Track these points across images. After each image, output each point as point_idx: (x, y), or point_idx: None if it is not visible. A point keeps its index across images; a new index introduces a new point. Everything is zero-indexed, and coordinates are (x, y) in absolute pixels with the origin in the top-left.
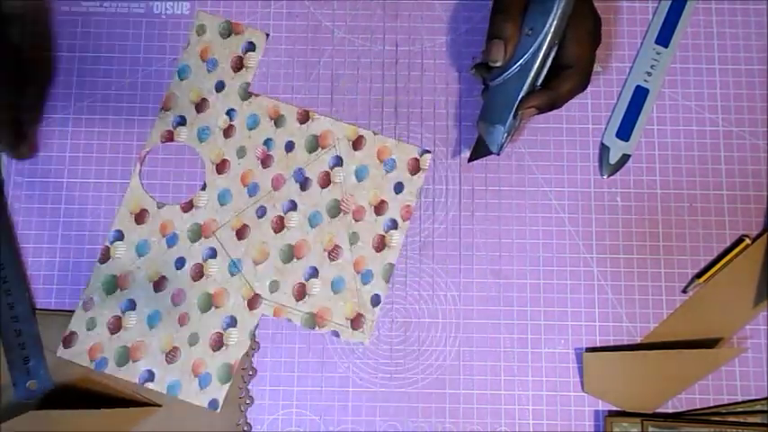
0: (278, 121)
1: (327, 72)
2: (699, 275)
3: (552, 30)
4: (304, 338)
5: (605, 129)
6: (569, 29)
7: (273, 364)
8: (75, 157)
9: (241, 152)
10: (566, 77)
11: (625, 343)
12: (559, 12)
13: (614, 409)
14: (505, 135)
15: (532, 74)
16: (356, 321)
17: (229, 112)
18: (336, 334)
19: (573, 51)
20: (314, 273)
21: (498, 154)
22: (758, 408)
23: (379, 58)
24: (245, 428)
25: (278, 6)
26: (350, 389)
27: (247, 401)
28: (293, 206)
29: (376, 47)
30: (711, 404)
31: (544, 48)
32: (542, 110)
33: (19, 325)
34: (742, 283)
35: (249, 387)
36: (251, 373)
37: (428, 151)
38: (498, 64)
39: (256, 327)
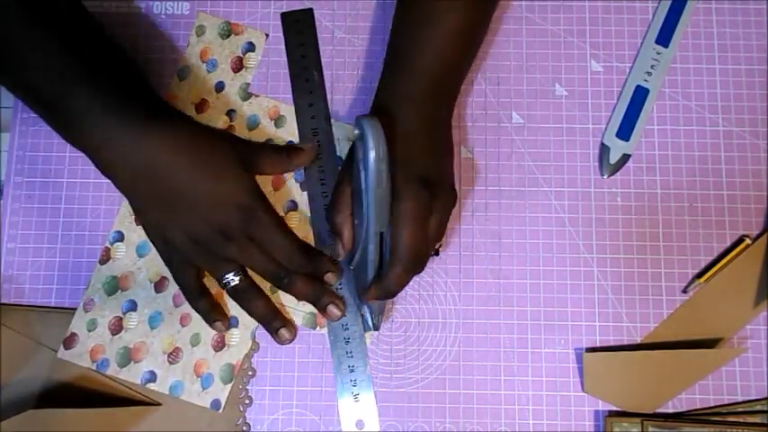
0: (278, 121)
1: (327, 72)
2: (699, 275)
3: (371, 218)
4: (304, 338)
5: (605, 129)
6: (393, 215)
7: (273, 364)
8: (74, 158)
9: None
10: (391, 265)
11: (625, 343)
12: (371, 200)
13: (614, 409)
14: (374, 315)
15: (370, 264)
16: None
17: (229, 113)
18: None
19: (394, 237)
20: None
21: (377, 329)
22: (758, 408)
23: (379, 58)
24: (245, 428)
25: (278, 6)
26: None
27: (246, 401)
28: (294, 206)
29: (376, 47)
30: (711, 404)
31: (371, 237)
32: (383, 297)
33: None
34: (742, 283)
35: (248, 387)
36: (250, 373)
37: None
38: (340, 258)
39: (257, 327)
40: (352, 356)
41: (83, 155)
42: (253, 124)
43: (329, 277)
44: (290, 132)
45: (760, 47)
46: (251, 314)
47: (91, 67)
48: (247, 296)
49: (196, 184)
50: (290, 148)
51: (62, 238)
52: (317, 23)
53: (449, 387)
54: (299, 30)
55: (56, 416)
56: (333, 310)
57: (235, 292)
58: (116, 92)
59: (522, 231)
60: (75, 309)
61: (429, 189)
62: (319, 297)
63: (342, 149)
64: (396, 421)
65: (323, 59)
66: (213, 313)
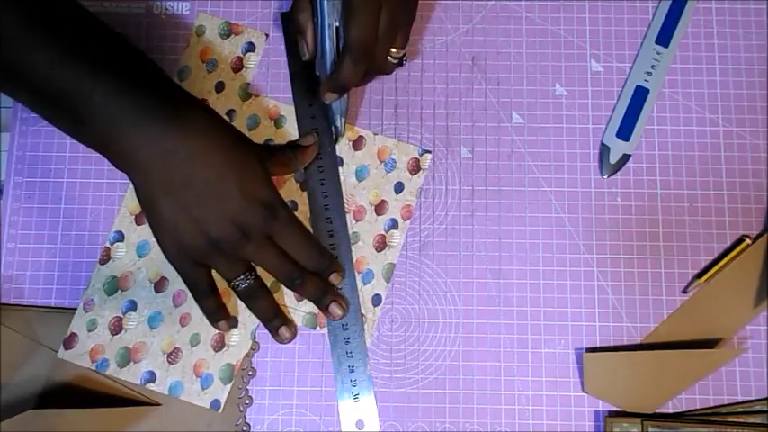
0: (278, 121)
1: None
2: (699, 275)
3: (324, 9)
4: (304, 338)
5: (605, 129)
6: (346, 9)
7: (273, 364)
8: (75, 158)
9: None
10: (341, 56)
11: (625, 343)
12: None
13: (614, 409)
14: (338, 117)
15: (327, 58)
16: None
17: (229, 113)
18: None
19: (344, 28)
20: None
21: (341, 135)
22: (758, 408)
23: None
24: (245, 428)
25: (278, 6)
26: None
27: (246, 401)
28: (294, 206)
29: None
30: (711, 404)
31: (325, 30)
32: (337, 92)
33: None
34: (742, 283)
35: (248, 387)
36: (250, 373)
37: (428, 151)
38: (305, 57)
39: (257, 327)
40: (351, 356)
41: (83, 155)
42: (253, 124)
43: (334, 278)
44: (289, 132)
45: (760, 47)
46: (255, 313)
47: (106, 60)
48: (256, 296)
49: (224, 180)
50: (295, 147)
51: (62, 238)
52: None
53: (449, 387)
54: None
55: (56, 416)
56: (335, 309)
57: (244, 293)
58: (136, 82)
59: (522, 231)
60: (75, 309)
61: None
62: (324, 296)
63: (342, 151)
64: (396, 421)
65: None
66: (219, 313)
